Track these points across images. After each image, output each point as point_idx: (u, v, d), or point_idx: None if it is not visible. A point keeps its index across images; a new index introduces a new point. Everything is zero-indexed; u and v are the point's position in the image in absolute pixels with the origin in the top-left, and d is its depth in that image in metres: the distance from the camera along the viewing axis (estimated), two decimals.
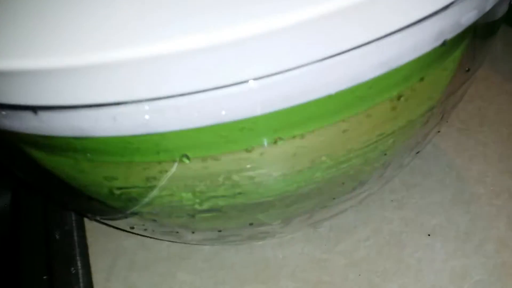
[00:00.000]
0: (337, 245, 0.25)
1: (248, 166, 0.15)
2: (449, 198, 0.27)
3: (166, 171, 0.15)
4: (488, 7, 0.17)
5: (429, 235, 0.25)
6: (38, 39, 0.13)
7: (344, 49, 0.13)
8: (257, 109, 0.14)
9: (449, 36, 0.15)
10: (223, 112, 0.14)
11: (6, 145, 0.18)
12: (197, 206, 0.17)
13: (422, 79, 0.15)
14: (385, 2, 0.13)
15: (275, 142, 0.15)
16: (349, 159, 0.16)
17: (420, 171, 0.29)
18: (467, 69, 0.18)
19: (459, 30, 0.15)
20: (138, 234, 0.26)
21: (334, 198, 0.19)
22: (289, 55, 0.13)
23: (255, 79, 0.13)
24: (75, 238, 0.29)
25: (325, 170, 0.16)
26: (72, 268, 0.28)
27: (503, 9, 0.18)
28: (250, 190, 0.16)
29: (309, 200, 0.18)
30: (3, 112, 0.15)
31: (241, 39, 0.12)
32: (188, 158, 0.15)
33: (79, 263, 0.28)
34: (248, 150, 0.15)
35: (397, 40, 0.14)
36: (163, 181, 0.15)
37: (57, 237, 0.29)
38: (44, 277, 0.28)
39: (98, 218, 0.23)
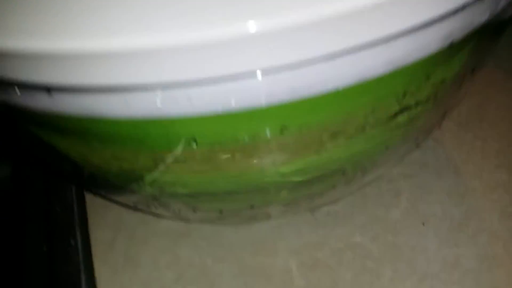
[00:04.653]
0: (333, 229, 0.26)
1: (254, 153, 0.16)
2: (445, 190, 0.28)
3: (174, 155, 0.16)
4: (498, 9, 0.17)
5: (423, 224, 0.26)
6: (55, 20, 0.13)
7: (353, 46, 0.14)
8: (265, 100, 0.14)
9: (457, 37, 0.15)
10: (233, 102, 0.14)
11: (16, 123, 0.18)
12: (201, 189, 0.17)
13: (428, 77, 0.16)
14: (397, 3, 0.13)
15: (281, 132, 0.15)
16: (351, 151, 0.17)
17: (418, 162, 0.29)
18: (472, 68, 0.18)
19: (467, 31, 0.15)
20: (138, 210, 0.27)
21: (334, 186, 0.20)
22: (301, 49, 0.13)
23: (264, 71, 0.13)
24: (76, 210, 0.30)
25: (327, 159, 0.17)
26: (72, 240, 0.28)
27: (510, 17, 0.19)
28: (254, 175, 0.17)
29: (309, 187, 0.19)
30: (16, 90, 0.15)
31: (254, 33, 0.13)
32: (196, 142, 0.15)
33: (78, 236, 0.28)
34: (254, 138, 0.15)
35: (405, 40, 0.14)
36: (170, 164, 0.16)
37: (58, 209, 0.30)
38: (44, 249, 0.28)
39: (102, 193, 0.23)
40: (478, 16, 0.16)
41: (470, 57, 0.17)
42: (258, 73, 0.13)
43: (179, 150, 0.15)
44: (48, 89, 0.14)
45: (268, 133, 0.15)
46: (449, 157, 0.30)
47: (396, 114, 0.16)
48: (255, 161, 0.16)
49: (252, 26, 0.12)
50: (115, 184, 0.19)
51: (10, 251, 0.29)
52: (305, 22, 0.13)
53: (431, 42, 0.14)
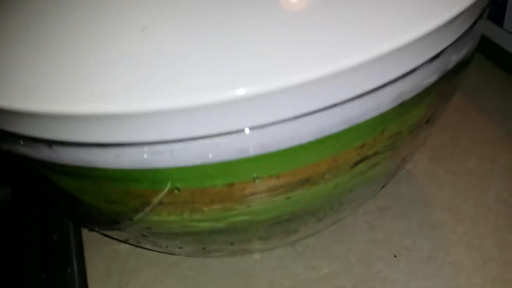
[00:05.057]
0: (312, 261, 0.28)
1: (229, 198, 0.18)
2: (416, 222, 0.30)
3: (158, 200, 0.18)
4: (448, 68, 0.19)
5: (395, 256, 0.28)
6: (59, 86, 0.16)
7: (315, 109, 0.16)
8: (238, 155, 0.16)
9: (407, 97, 0.17)
10: (210, 156, 0.16)
11: (22, 164, 0.20)
12: (183, 229, 0.19)
13: (382, 132, 0.18)
14: (349, 73, 0.15)
15: (254, 180, 0.17)
16: (317, 195, 0.19)
17: (393, 195, 0.31)
18: (426, 121, 0.20)
19: (417, 92, 0.18)
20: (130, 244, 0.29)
21: (306, 225, 0.22)
22: (268, 113, 0.15)
23: (238, 131, 0.16)
24: (72, 240, 0.31)
25: (296, 202, 0.19)
26: (69, 269, 0.30)
27: (464, 70, 0.21)
28: (230, 217, 0.19)
29: (283, 226, 0.21)
30: (21, 142, 0.17)
31: (228, 99, 0.15)
32: (178, 189, 0.17)
33: (75, 265, 0.30)
34: (229, 185, 0.17)
35: (358, 102, 0.16)
36: (155, 207, 0.18)
37: (55, 238, 0.32)
38: (43, 276, 0.30)
39: (96, 229, 0.25)
40: (427, 77, 0.18)
41: (425, 110, 0.20)
42: (232, 133, 0.15)
43: (163, 195, 0.17)
44: (50, 143, 0.16)
45: (241, 181, 0.17)
46: (421, 191, 0.32)
47: (356, 163, 0.18)
48: (230, 204, 0.18)
49: (225, 94, 0.15)
50: (107, 222, 0.21)
51: (10, 277, 0.31)
52: (272, 90, 0.15)
53: (382, 103, 0.17)
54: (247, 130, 0.16)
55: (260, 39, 0.16)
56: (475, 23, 0.19)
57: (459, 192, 0.31)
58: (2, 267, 0.31)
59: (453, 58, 0.19)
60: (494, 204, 0.30)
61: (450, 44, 0.18)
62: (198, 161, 0.16)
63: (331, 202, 0.21)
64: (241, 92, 0.15)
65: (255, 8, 0.17)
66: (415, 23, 0.16)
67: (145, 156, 0.16)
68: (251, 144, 0.16)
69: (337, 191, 0.20)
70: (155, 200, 0.18)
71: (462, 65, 0.20)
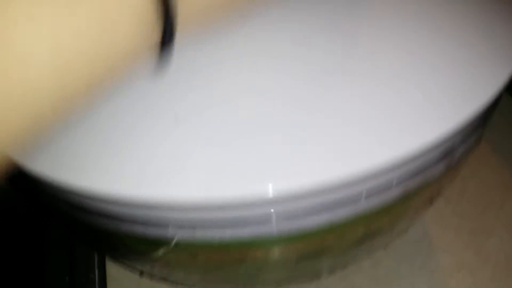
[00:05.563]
0: None
1: (242, 259, 0.20)
2: (418, 264, 0.31)
3: (181, 267, 0.20)
4: (455, 159, 0.20)
5: None
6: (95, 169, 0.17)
7: (326, 202, 0.17)
8: (253, 235, 0.18)
9: (411, 189, 0.19)
10: (227, 234, 0.18)
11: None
12: (193, 275, 0.22)
13: (388, 213, 0.20)
14: (362, 178, 0.17)
15: (266, 251, 0.19)
16: (323, 261, 0.21)
17: None
18: (431, 199, 0.22)
19: (423, 184, 0.19)
20: None
21: (309, 280, 0.24)
22: (288, 203, 0.17)
23: (253, 221, 0.17)
24: None
25: (302, 268, 0.21)
26: (91, 274, 0.32)
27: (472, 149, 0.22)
28: (251, 274, 0.21)
29: (289, 279, 0.23)
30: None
31: (246, 199, 0.17)
32: (196, 253, 0.19)
33: (96, 271, 0.33)
34: (242, 260, 0.19)
35: (366, 199, 0.18)
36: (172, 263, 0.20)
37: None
38: (66, 278, 0.33)
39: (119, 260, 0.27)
40: (433, 171, 0.19)
41: (430, 192, 0.21)
42: (250, 220, 0.17)
43: (184, 261, 0.20)
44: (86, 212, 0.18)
45: (252, 255, 0.19)
46: (426, 231, 0.33)
47: (363, 237, 0.20)
48: (242, 264, 0.20)
49: (247, 193, 0.16)
50: (131, 261, 0.23)
51: (35, 277, 0.34)
52: (284, 195, 0.17)
53: (388, 197, 0.18)
54: (263, 216, 0.17)
55: (281, 141, 0.17)
56: (490, 113, 0.20)
57: (462, 236, 0.33)
58: (28, 268, 0.34)
59: (461, 150, 0.20)
60: (494, 253, 0.32)
61: (459, 141, 0.19)
62: (216, 238, 0.18)
63: (336, 263, 0.22)
64: (251, 194, 0.16)
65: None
66: (423, 130, 0.17)
67: (169, 231, 0.18)
68: (259, 231, 0.18)
69: (343, 256, 0.21)
70: (174, 259, 0.20)
71: (470, 149, 0.21)
